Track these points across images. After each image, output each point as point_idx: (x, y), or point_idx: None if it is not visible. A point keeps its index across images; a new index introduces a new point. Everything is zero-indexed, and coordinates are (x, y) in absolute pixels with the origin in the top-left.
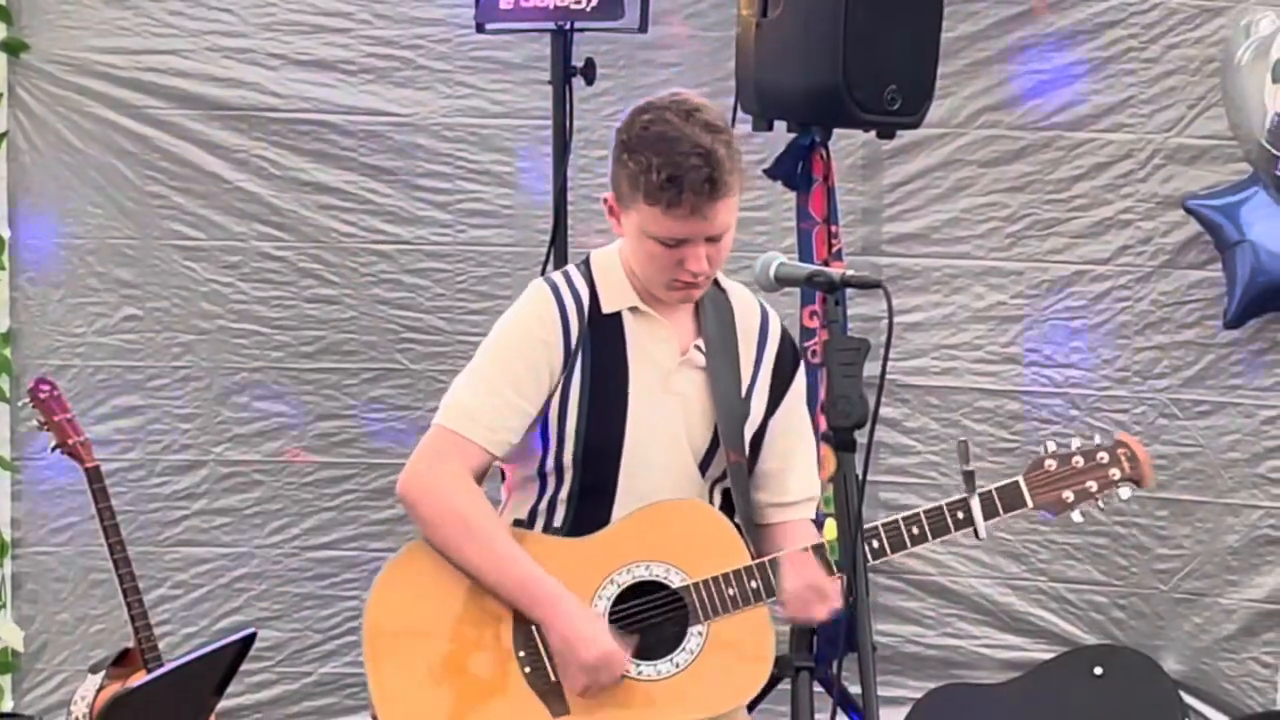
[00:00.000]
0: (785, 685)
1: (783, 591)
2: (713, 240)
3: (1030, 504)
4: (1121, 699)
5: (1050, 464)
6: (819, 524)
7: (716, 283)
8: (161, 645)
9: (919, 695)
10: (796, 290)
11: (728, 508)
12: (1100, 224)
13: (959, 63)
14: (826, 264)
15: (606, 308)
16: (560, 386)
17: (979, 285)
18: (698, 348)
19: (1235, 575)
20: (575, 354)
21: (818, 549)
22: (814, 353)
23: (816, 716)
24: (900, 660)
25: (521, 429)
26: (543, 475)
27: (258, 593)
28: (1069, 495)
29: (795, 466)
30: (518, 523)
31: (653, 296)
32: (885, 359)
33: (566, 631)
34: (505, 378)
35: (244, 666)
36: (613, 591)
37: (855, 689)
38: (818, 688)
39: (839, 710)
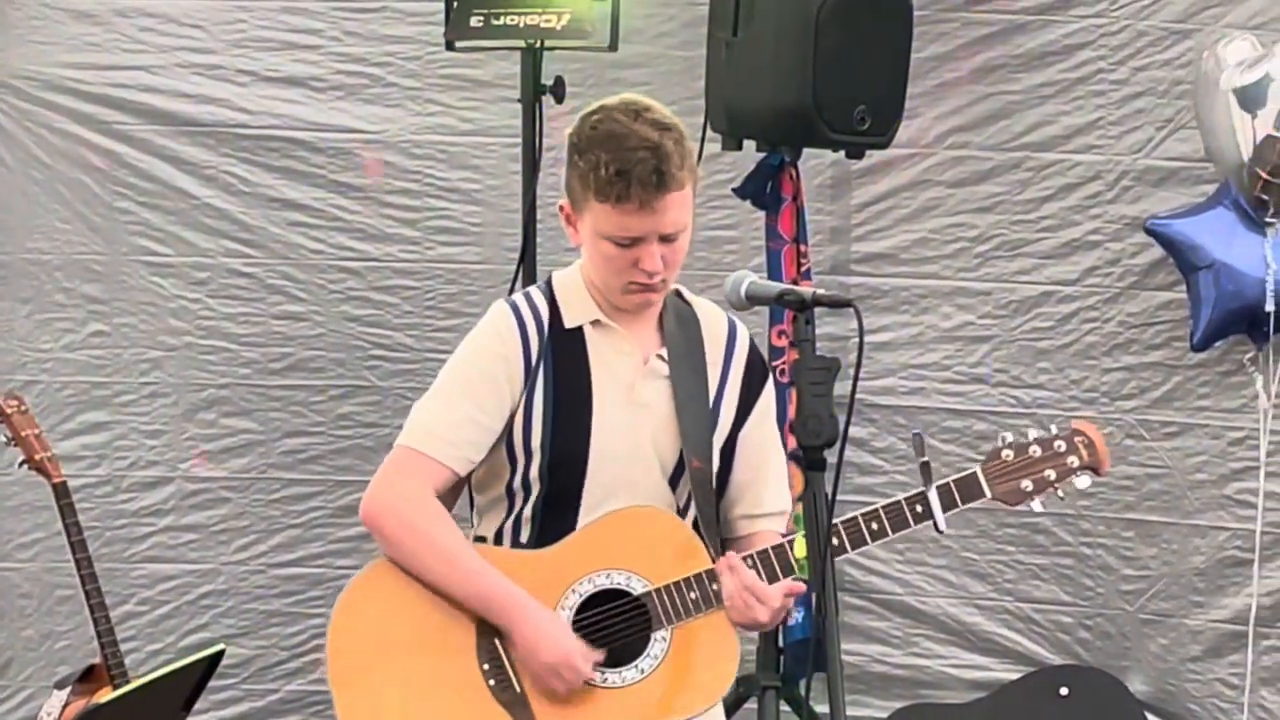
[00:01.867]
0: (752, 704)
1: (724, 599)
2: (666, 240)
3: (988, 494)
4: (1088, 719)
5: (1007, 454)
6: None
7: (682, 296)
8: (128, 662)
9: (885, 715)
10: (765, 311)
11: None
12: (1068, 245)
13: (928, 83)
14: (796, 283)
15: (568, 322)
16: (523, 402)
17: (947, 305)
18: (660, 357)
19: (1201, 596)
20: (536, 368)
21: (777, 551)
22: (782, 371)
23: None
24: (867, 680)
25: (483, 444)
26: (510, 493)
27: (224, 609)
28: (1027, 484)
29: (768, 479)
30: (480, 539)
31: (614, 308)
32: (856, 378)
33: (528, 633)
34: (464, 394)
35: (210, 684)
36: (575, 601)
37: (823, 708)
38: (785, 707)
39: None
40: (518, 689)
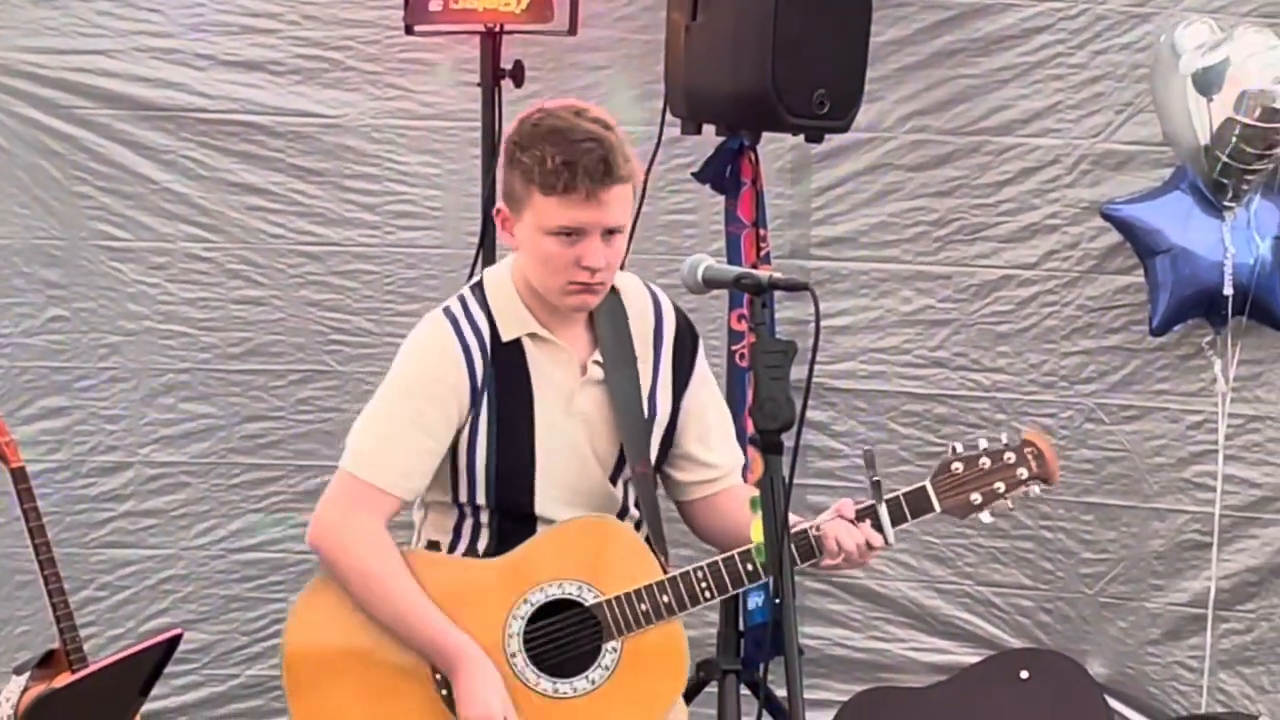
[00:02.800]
0: (712, 688)
1: (835, 547)
2: (608, 235)
3: (938, 509)
4: (1047, 702)
5: (957, 466)
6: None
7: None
8: (87, 647)
9: (845, 698)
10: (724, 295)
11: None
12: (1027, 229)
13: (887, 67)
14: (755, 267)
15: (505, 335)
16: (469, 424)
17: (906, 289)
18: (596, 363)
19: (1161, 579)
20: (482, 391)
21: (727, 562)
22: (741, 356)
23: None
24: (826, 663)
25: (430, 470)
26: (459, 505)
27: (184, 595)
28: (976, 498)
29: (712, 440)
30: (433, 545)
31: (549, 314)
32: (812, 362)
33: (461, 687)
34: (412, 421)
35: (170, 669)
36: (527, 610)
37: (782, 692)
38: (744, 690)
39: (765, 713)
40: None
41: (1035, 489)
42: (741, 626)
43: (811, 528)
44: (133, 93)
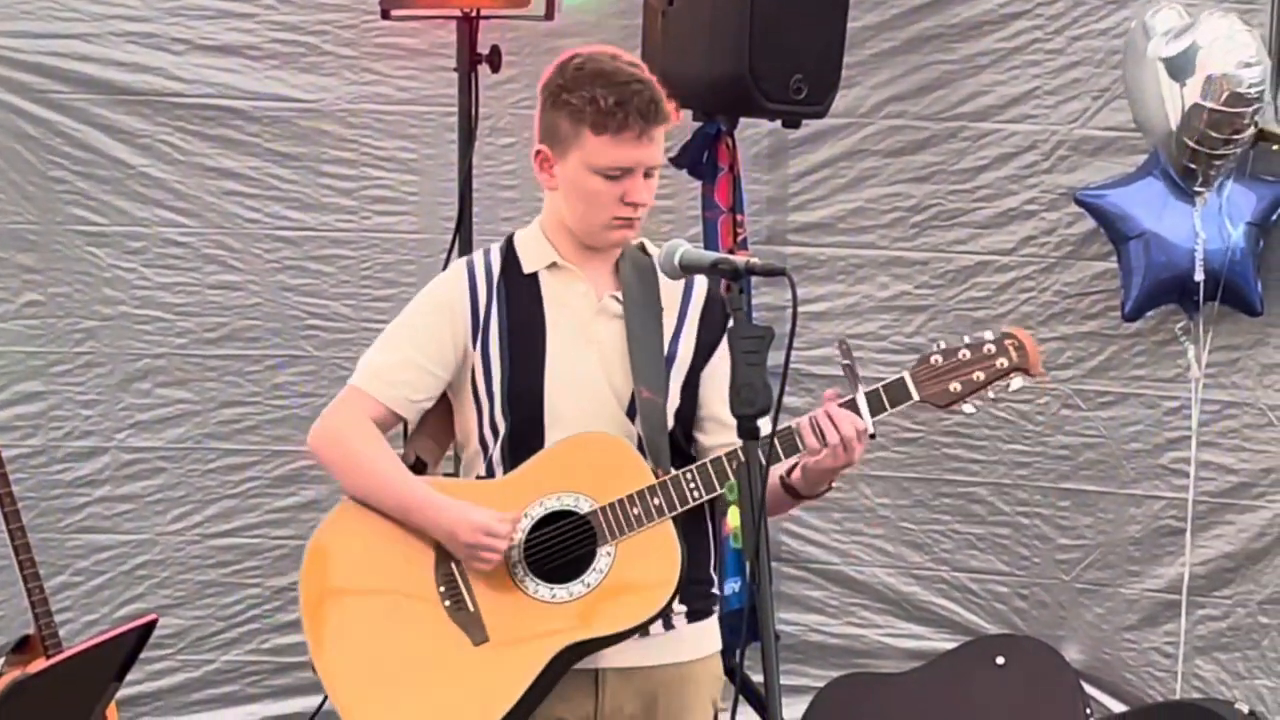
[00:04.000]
0: None
1: (821, 438)
2: (649, 175)
3: (916, 396)
4: (1023, 688)
5: (936, 359)
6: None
7: (644, 249)
8: (63, 632)
9: (822, 684)
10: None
11: (675, 454)
12: (1004, 215)
13: (865, 53)
14: (732, 252)
15: (526, 268)
16: (480, 346)
17: (883, 275)
18: (614, 297)
19: (1137, 565)
20: (488, 312)
21: (715, 462)
22: None
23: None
24: (803, 649)
25: (421, 385)
26: (483, 441)
27: (160, 580)
28: (956, 386)
29: None
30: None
31: (576, 249)
32: (789, 347)
33: (444, 524)
34: (406, 336)
35: (146, 654)
36: (527, 524)
37: (758, 677)
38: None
39: (741, 699)
40: (471, 608)
41: (1018, 380)
42: (718, 613)
43: (794, 424)
44: (109, 77)
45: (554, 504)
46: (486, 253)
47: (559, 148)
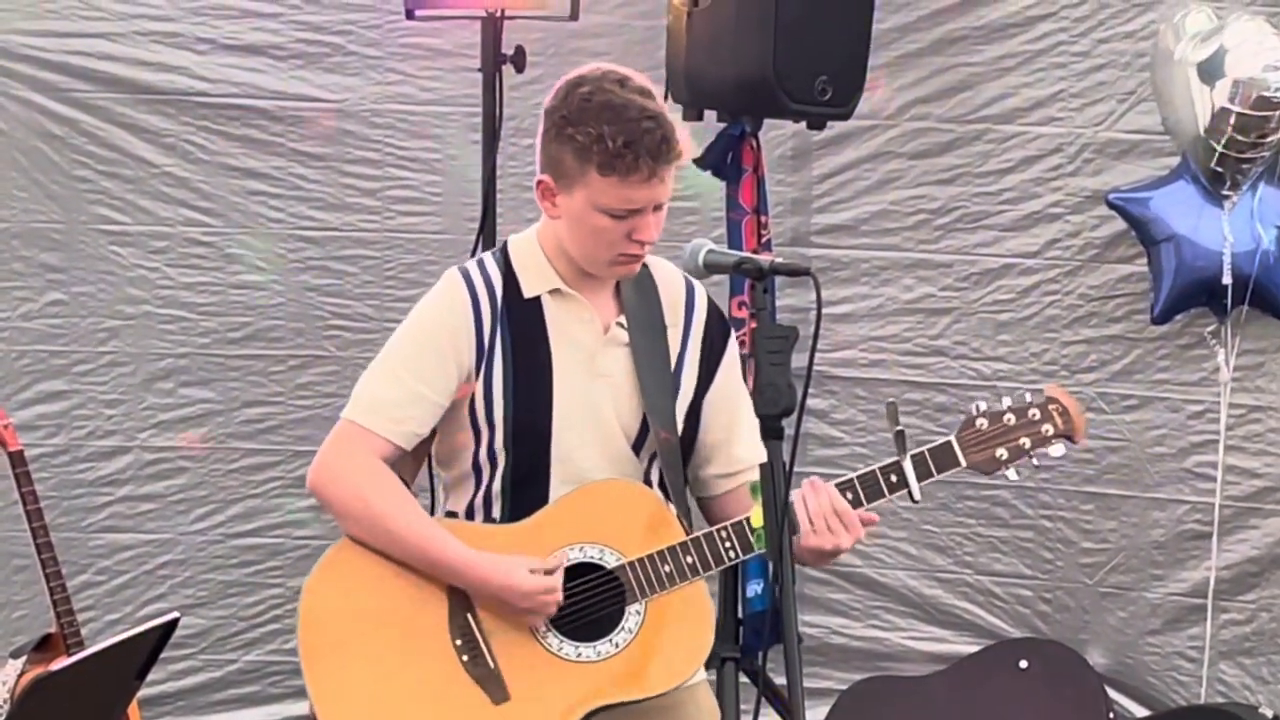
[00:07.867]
0: (711, 675)
1: (803, 522)
2: (658, 209)
3: (964, 463)
4: (1046, 692)
5: (982, 423)
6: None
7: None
8: (85, 632)
9: (844, 687)
10: (725, 282)
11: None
12: (1029, 217)
13: (890, 54)
14: (755, 253)
15: (526, 292)
16: (482, 374)
17: (908, 277)
18: (620, 324)
19: (1161, 569)
20: (492, 340)
21: (735, 526)
22: (742, 342)
23: (741, 708)
24: (826, 652)
25: (427, 419)
26: (477, 468)
27: (182, 580)
28: (1002, 453)
29: (739, 436)
30: (451, 514)
31: (577, 276)
32: (814, 348)
33: (475, 578)
34: (408, 367)
35: (167, 654)
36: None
37: (781, 680)
38: (743, 679)
39: (764, 701)
40: (491, 664)
41: (1060, 447)
42: (740, 614)
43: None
44: (133, 76)
45: (578, 556)
46: (482, 266)
47: (563, 181)
